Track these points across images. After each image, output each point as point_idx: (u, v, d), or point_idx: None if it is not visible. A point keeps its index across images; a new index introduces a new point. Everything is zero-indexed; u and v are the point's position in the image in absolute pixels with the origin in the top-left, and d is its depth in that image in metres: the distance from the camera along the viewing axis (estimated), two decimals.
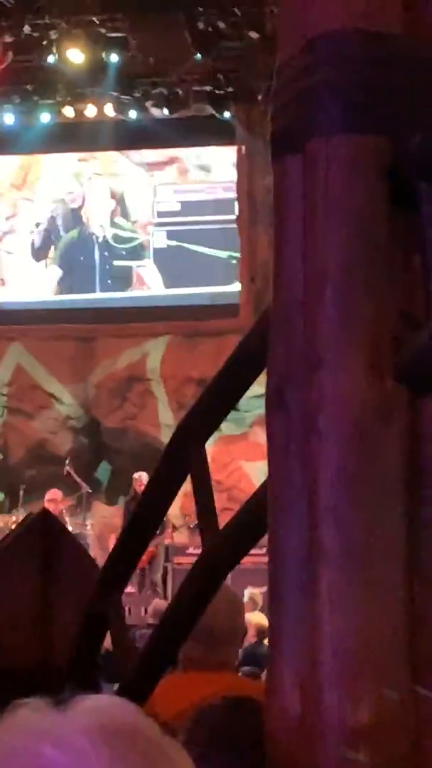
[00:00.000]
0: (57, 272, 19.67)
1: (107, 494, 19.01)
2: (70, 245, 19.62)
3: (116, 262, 19.43)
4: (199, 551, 2.93)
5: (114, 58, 16.13)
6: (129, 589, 13.85)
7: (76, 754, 1.21)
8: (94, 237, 19.53)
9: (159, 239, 19.36)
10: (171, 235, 19.29)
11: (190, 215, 19.24)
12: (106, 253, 19.46)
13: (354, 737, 1.80)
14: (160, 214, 19.39)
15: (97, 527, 17.65)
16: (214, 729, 2.59)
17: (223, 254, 19.04)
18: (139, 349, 18.85)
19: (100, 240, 19.49)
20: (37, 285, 19.71)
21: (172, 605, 3.11)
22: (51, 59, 16.19)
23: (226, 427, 16.66)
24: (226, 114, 17.63)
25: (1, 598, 3.59)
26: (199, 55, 15.61)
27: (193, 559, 2.98)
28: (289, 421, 1.95)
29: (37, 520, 3.81)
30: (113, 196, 19.58)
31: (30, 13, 15.41)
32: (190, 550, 15.62)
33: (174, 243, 19.24)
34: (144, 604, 13.49)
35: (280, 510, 1.96)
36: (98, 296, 19.52)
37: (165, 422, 18.41)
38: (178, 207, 19.35)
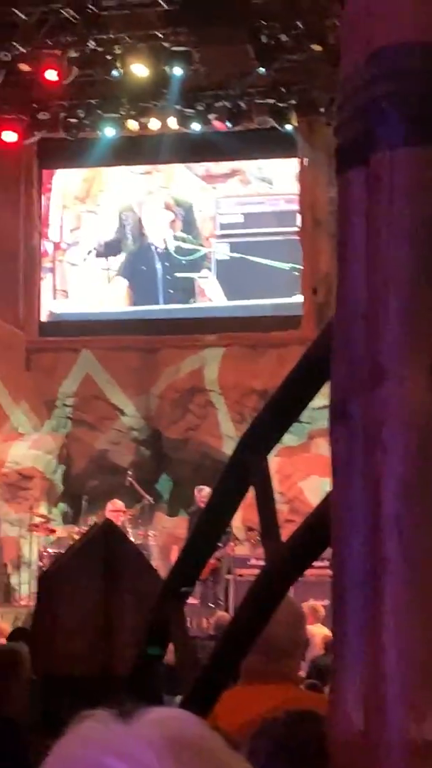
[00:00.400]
0: (120, 284, 19.76)
1: (169, 505, 19.04)
2: (132, 257, 19.71)
3: (178, 274, 19.49)
4: (261, 563, 2.93)
5: (177, 71, 16.20)
6: (191, 600, 13.87)
7: (141, 766, 1.21)
8: (156, 249, 19.60)
9: (221, 251, 19.39)
10: (233, 247, 19.32)
11: (253, 227, 19.26)
12: (168, 265, 19.52)
13: (419, 752, 1.78)
14: (223, 226, 19.44)
15: (159, 538, 17.68)
16: (276, 742, 2.58)
17: (286, 266, 19.03)
18: (201, 360, 18.88)
19: (162, 252, 19.56)
20: (100, 296, 19.82)
21: (235, 617, 3.11)
22: (115, 73, 16.30)
23: (289, 439, 16.63)
24: (288, 126, 17.63)
25: (64, 606, 3.61)
26: (261, 68, 15.63)
27: (256, 571, 2.98)
28: (352, 433, 1.94)
29: (100, 530, 3.82)
30: (176, 208, 19.64)
31: (94, 29, 15.51)
32: (252, 562, 15.61)
33: (236, 255, 19.27)
34: (206, 616, 13.48)
35: (344, 522, 1.96)
36: (161, 307, 19.59)
37: (226, 433, 18.42)
38: (240, 219, 19.38)
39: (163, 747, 1.23)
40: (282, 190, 19.33)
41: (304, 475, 17.27)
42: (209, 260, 19.48)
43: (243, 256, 19.20)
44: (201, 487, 15.71)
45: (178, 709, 1.32)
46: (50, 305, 20.03)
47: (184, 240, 19.53)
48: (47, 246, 20.07)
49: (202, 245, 19.48)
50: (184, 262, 19.46)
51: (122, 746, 1.23)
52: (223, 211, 19.47)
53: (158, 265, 19.57)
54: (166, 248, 19.56)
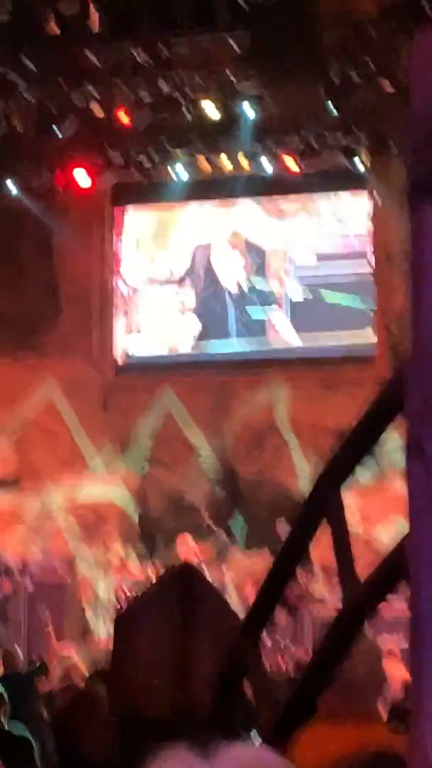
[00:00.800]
0: (192, 322, 19.83)
1: (244, 543, 18.99)
2: (204, 296, 19.78)
3: (250, 313, 19.51)
4: (337, 602, 2.92)
5: (248, 112, 16.29)
6: (267, 638, 13.82)
7: None
8: (228, 288, 19.65)
9: (294, 289, 19.40)
10: (306, 286, 19.31)
11: (325, 266, 19.25)
12: (239, 304, 19.56)
13: None
14: (295, 266, 19.44)
15: (235, 576, 17.64)
16: None
17: (359, 304, 18.99)
18: (275, 398, 18.87)
19: (234, 291, 19.61)
20: (172, 335, 19.90)
21: (314, 654, 3.10)
22: (187, 115, 16.42)
23: (364, 478, 16.55)
24: (360, 164, 17.62)
25: (141, 648, 3.62)
26: (332, 107, 15.67)
27: (332, 610, 2.97)
28: (428, 471, 1.94)
29: (177, 571, 3.83)
30: (248, 247, 19.70)
31: (166, 71, 15.66)
32: (328, 601, 15.52)
33: (309, 293, 19.26)
34: (282, 654, 13.42)
35: (421, 561, 1.95)
36: (235, 347, 19.62)
37: (301, 472, 18.37)
38: (313, 258, 19.38)
39: None
40: (354, 229, 19.32)
41: (380, 514, 17.16)
42: (281, 299, 19.49)
43: (315, 294, 19.20)
44: (280, 519, 15.74)
45: (257, 746, 1.32)
46: (124, 344, 20.14)
47: (255, 279, 19.57)
48: (121, 285, 20.21)
49: (273, 284, 19.50)
50: (255, 301, 19.49)
51: None
52: (296, 250, 19.49)
53: (230, 304, 19.62)
54: (238, 287, 19.61)
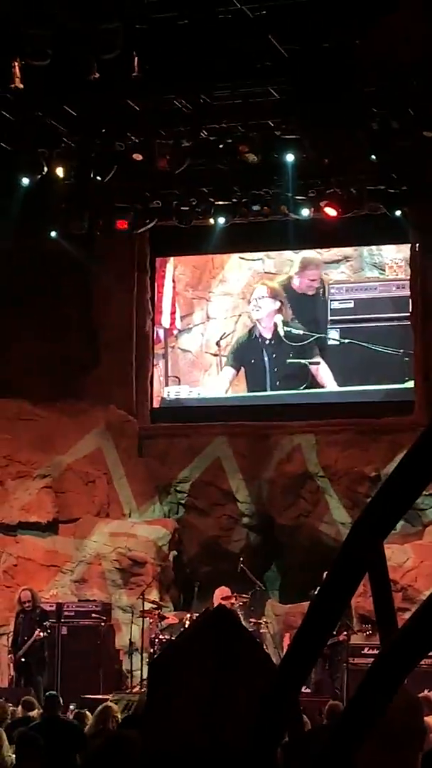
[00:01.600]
0: (230, 370, 19.85)
1: (281, 592, 18.90)
2: (243, 343, 19.80)
3: (289, 360, 19.51)
4: (375, 652, 2.88)
5: (288, 158, 16.34)
6: (304, 689, 13.70)
7: None
8: (266, 335, 19.66)
9: (332, 337, 19.39)
10: (344, 333, 19.31)
11: (364, 313, 19.25)
12: (278, 351, 19.56)
13: None
14: (334, 312, 19.45)
15: (272, 626, 17.54)
16: None
17: (397, 351, 18.96)
18: (312, 445, 18.82)
19: (273, 338, 19.61)
20: (210, 383, 19.92)
21: (350, 706, 3.05)
22: (226, 161, 16.49)
23: (402, 526, 16.46)
24: (399, 212, 17.63)
25: (176, 693, 3.58)
26: (372, 155, 15.70)
27: (370, 660, 2.93)
28: None
29: (212, 615, 3.80)
30: (287, 293, 19.72)
31: (206, 118, 15.75)
32: (366, 651, 15.40)
33: (347, 340, 19.25)
34: (319, 705, 13.28)
35: None
36: (271, 393, 19.61)
37: (339, 520, 18.30)
38: (351, 305, 19.38)
39: None
40: (393, 276, 19.32)
41: (417, 562, 17.05)
42: (321, 346, 19.47)
43: (354, 341, 19.18)
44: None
45: None
46: (162, 391, 20.19)
47: (294, 326, 19.57)
48: (159, 332, 20.28)
49: (311, 331, 19.50)
50: (294, 348, 19.49)
51: None
52: (335, 297, 19.50)
53: (268, 352, 19.64)
54: (276, 334, 19.61)
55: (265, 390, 19.67)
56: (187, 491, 19.42)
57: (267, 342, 19.65)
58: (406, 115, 14.93)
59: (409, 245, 18.88)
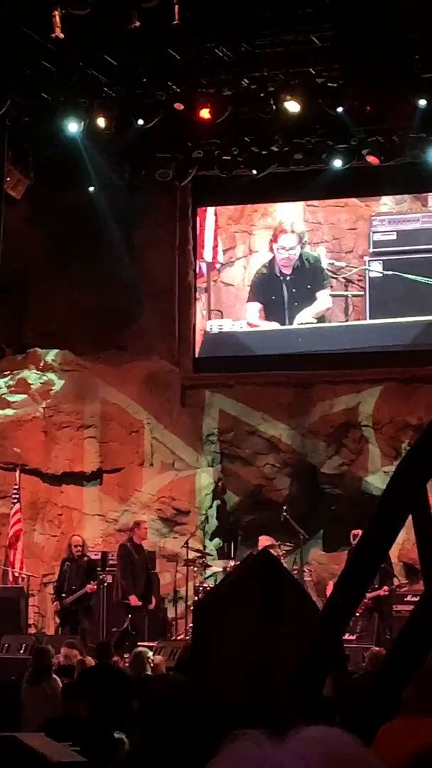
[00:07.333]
0: (274, 304, 19.74)
1: (324, 540, 18.95)
2: (286, 277, 19.65)
3: (332, 292, 19.40)
4: (417, 599, 2.91)
5: (330, 107, 16.22)
6: (347, 635, 13.77)
7: None
8: (314, 266, 19.51)
9: (375, 269, 19.23)
10: (386, 265, 19.15)
11: (406, 244, 19.08)
12: (322, 283, 19.43)
13: None
14: (376, 244, 19.28)
15: (315, 573, 17.61)
16: None
17: None
18: (355, 394, 18.79)
19: (319, 270, 19.46)
20: (253, 317, 19.82)
21: (392, 650, 3.10)
22: (268, 111, 16.39)
23: None
24: None
25: (222, 638, 3.62)
26: (417, 101, 15.57)
27: (412, 606, 2.96)
28: None
29: (257, 560, 3.83)
30: (328, 227, 19.58)
31: (248, 67, 15.65)
32: (409, 598, 15.44)
33: (390, 272, 19.09)
34: (362, 650, 13.36)
35: None
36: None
37: (381, 468, 18.28)
38: (393, 236, 19.21)
39: (319, 763, 1.22)
40: None
41: None
42: (362, 278, 19.33)
43: (396, 273, 19.03)
44: (357, 531, 15.50)
45: (334, 728, 1.31)
46: (205, 325, 20.08)
47: (336, 258, 19.45)
48: (202, 266, 20.22)
49: (354, 263, 19.36)
50: (338, 279, 19.39)
51: (277, 763, 1.23)
52: (377, 228, 19.33)
53: (312, 284, 19.48)
54: (321, 267, 19.44)
55: (310, 320, 19.53)
56: (230, 440, 19.45)
57: (315, 272, 19.49)
58: None
59: None
